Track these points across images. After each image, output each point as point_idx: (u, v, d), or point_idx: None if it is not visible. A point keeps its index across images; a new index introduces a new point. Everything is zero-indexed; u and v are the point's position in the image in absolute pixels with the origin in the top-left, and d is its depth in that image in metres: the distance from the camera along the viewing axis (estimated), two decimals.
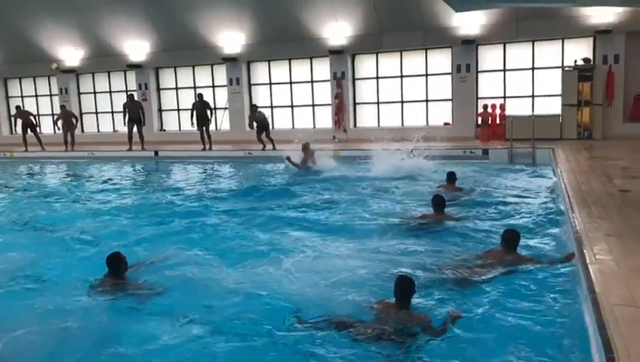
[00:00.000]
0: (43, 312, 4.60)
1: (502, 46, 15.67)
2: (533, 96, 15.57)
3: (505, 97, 15.75)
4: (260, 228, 7.29)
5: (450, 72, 16.15)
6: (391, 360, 3.52)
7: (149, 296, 4.93)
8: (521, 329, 3.86)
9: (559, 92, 14.47)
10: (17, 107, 18.81)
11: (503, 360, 3.50)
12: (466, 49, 15.64)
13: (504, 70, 15.80)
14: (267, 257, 5.93)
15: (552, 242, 5.88)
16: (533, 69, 15.48)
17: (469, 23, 15.26)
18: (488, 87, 15.96)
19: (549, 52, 15.27)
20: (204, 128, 15.94)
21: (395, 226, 6.75)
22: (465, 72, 15.88)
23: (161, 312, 4.64)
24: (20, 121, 18.23)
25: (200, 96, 16.28)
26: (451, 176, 8.66)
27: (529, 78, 15.55)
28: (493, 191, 8.86)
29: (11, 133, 21.97)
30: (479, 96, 16.03)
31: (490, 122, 15.19)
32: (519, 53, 15.58)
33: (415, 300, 4.12)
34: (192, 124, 16.06)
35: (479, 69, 15.98)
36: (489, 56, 15.92)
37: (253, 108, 15.80)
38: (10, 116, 22.00)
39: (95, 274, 5.32)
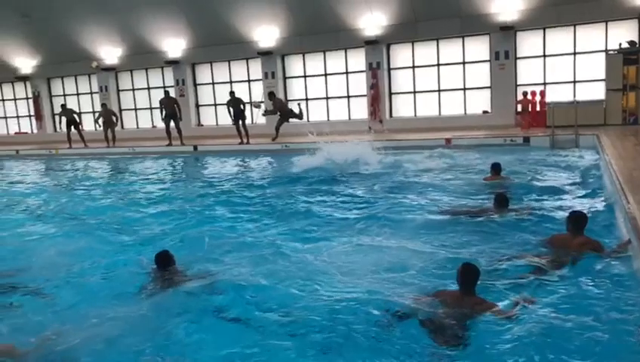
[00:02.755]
0: (97, 305, 4.73)
1: (542, 31, 15.31)
2: (574, 82, 15.18)
3: (545, 84, 15.41)
4: (302, 219, 7.30)
5: (488, 59, 15.87)
6: (456, 349, 3.54)
7: (199, 290, 4.93)
8: (586, 318, 3.79)
9: (603, 77, 14.07)
10: (62, 105, 19.41)
11: (568, 350, 3.47)
12: (505, 35, 15.34)
13: (544, 56, 15.45)
14: (313, 247, 5.97)
15: (606, 229, 5.75)
16: (574, 53, 15.08)
17: (507, 8, 14.97)
18: (528, 73, 15.65)
19: (591, 36, 14.84)
20: (240, 122, 16.14)
21: (446, 219, 6.66)
22: (503, 58, 15.60)
23: (212, 305, 4.67)
24: (64, 119, 18.81)
25: (232, 93, 16.44)
26: (496, 167, 8.53)
27: (570, 64, 15.15)
28: (539, 180, 8.67)
29: (55, 130, 22.69)
30: (518, 83, 15.73)
31: (530, 109, 14.88)
32: (560, 38, 15.19)
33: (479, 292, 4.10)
34: (232, 120, 16.24)
35: (518, 56, 15.66)
36: (528, 42, 15.59)
37: (272, 95, 15.72)
38: (53, 114, 22.76)
39: (142, 267, 5.46)
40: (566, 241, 5.02)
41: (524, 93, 15.03)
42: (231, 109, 16.12)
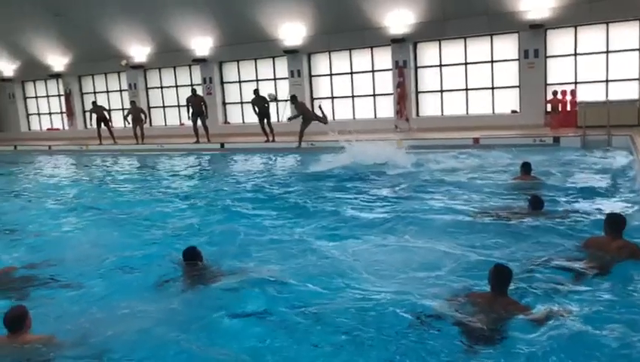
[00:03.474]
0: (128, 297, 4.83)
1: (573, 29, 15.00)
2: (607, 81, 14.83)
3: (576, 83, 15.10)
4: (329, 217, 7.30)
5: (517, 57, 15.65)
6: (487, 350, 3.52)
7: (226, 286, 4.95)
8: (621, 325, 3.70)
9: (637, 76, 13.73)
10: (93, 102, 19.86)
11: (601, 358, 3.41)
12: (534, 33, 15.10)
13: (575, 54, 15.14)
14: (341, 245, 5.96)
15: None
16: (607, 52, 14.74)
17: (537, 6, 14.73)
18: (558, 72, 15.36)
19: (625, 34, 14.48)
20: (264, 121, 16.20)
21: (477, 219, 6.57)
22: (533, 57, 15.35)
23: (239, 300, 4.71)
24: (94, 116, 19.21)
25: (256, 91, 16.45)
26: (526, 167, 8.38)
27: (603, 62, 14.81)
28: (570, 181, 8.50)
29: (86, 127, 23.19)
30: (548, 82, 15.46)
31: (560, 109, 14.61)
32: (592, 36, 14.87)
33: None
34: (258, 118, 16.28)
35: (548, 54, 15.39)
36: (559, 41, 15.29)
37: (294, 98, 15.38)
38: (84, 111, 23.29)
39: (171, 262, 5.54)
40: (603, 244, 4.88)
41: (554, 93, 14.77)
42: (256, 108, 16.19)
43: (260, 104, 16.11)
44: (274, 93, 16.80)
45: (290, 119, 14.96)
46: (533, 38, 15.17)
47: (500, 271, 3.95)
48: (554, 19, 14.78)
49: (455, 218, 6.69)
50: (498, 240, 5.66)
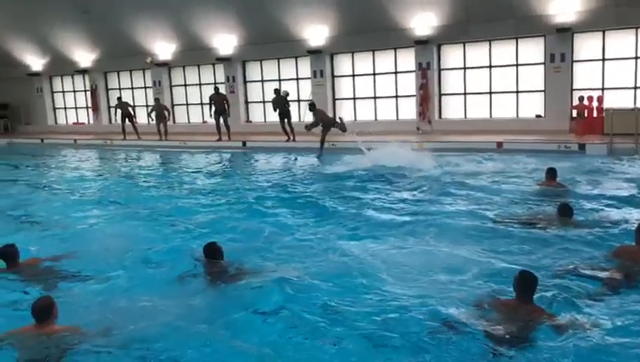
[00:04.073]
0: (150, 291, 4.90)
1: (601, 34, 14.74)
2: (635, 88, 14.54)
3: (603, 89, 14.82)
4: (349, 218, 7.29)
5: (542, 61, 15.43)
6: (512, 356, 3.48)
7: (246, 284, 4.97)
8: None
9: None
10: (118, 98, 20.14)
11: None
12: (561, 37, 14.86)
13: (603, 60, 14.86)
14: (361, 246, 5.96)
15: None
16: (636, 58, 14.45)
17: (565, 9, 14.49)
18: (585, 77, 15.09)
19: None
20: (285, 120, 16.22)
21: (503, 225, 6.47)
22: (559, 61, 15.10)
23: (259, 299, 4.70)
24: (119, 111, 19.49)
25: (277, 91, 16.46)
26: (552, 173, 8.22)
27: (631, 68, 14.52)
28: (597, 189, 8.32)
29: (110, 122, 23.54)
30: (574, 87, 15.19)
31: (586, 115, 14.36)
32: (620, 41, 14.59)
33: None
34: (279, 118, 16.30)
35: (574, 59, 15.13)
36: (586, 45, 15.03)
37: (313, 106, 14.79)
38: (109, 106, 23.65)
39: (192, 257, 5.59)
40: (634, 254, 4.79)
41: (581, 98, 14.52)
42: (276, 107, 16.19)
43: (281, 104, 16.14)
44: (287, 90, 16.82)
45: (308, 128, 14.68)
46: (560, 41, 14.94)
47: (525, 278, 3.90)
48: (581, 23, 14.54)
49: (478, 222, 6.62)
50: (523, 247, 5.58)
